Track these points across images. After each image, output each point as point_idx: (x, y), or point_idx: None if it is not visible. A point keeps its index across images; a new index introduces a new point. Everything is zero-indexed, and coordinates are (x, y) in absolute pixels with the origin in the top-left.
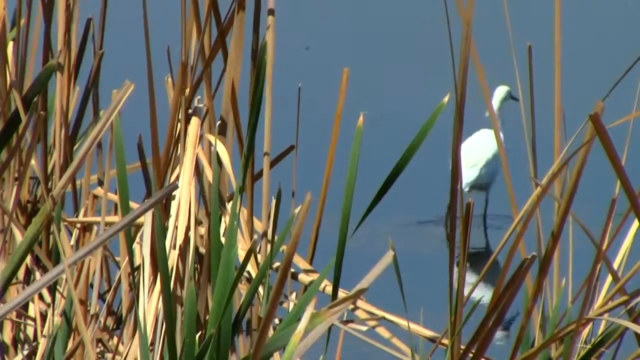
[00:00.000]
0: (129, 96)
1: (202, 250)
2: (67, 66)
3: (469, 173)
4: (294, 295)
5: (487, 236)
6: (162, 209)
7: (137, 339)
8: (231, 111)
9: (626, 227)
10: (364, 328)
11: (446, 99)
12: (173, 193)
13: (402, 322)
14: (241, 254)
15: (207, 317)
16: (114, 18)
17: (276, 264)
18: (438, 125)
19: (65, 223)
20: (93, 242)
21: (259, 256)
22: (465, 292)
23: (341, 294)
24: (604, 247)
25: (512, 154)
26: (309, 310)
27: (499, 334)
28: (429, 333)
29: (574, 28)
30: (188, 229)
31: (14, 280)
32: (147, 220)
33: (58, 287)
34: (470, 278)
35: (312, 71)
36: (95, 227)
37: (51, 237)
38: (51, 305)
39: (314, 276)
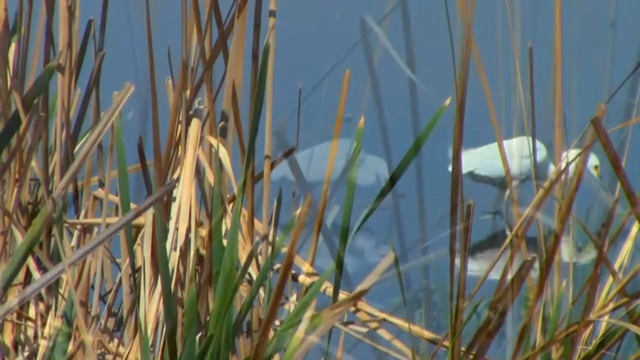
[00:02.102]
0: (129, 98)
1: (203, 251)
2: (68, 67)
3: (475, 158)
4: (294, 296)
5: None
6: (163, 211)
7: (138, 341)
8: (232, 113)
9: (627, 229)
10: (365, 330)
11: (448, 101)
12: (174, 195)
13: (404, 324)
14: (241, 254)
15: (207, 319)
16: (115, 19)
17: (277, 266)
18: (442, 124)
19: (66, 224)
20: (93, 241)
21: (259, 258)
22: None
23: (342, 295)
24: (605, 248)
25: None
26: (310, 312)
27: None
28: (430, 335)
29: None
30: (189, 230)
31: (15, 282)
32: (147, 221)
33: (59, 289)
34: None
35: (312, 71)
36: (95, 229)
37: (52, 239)
38: (52, 306)
39: (315, 278)
